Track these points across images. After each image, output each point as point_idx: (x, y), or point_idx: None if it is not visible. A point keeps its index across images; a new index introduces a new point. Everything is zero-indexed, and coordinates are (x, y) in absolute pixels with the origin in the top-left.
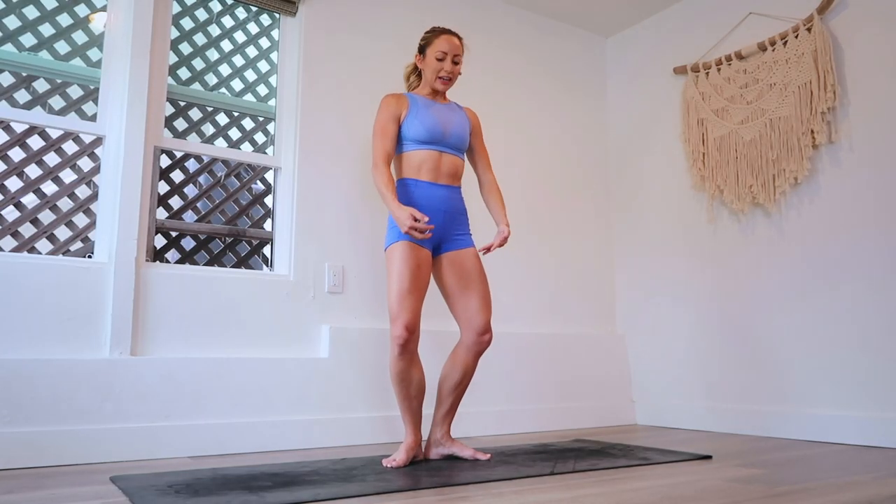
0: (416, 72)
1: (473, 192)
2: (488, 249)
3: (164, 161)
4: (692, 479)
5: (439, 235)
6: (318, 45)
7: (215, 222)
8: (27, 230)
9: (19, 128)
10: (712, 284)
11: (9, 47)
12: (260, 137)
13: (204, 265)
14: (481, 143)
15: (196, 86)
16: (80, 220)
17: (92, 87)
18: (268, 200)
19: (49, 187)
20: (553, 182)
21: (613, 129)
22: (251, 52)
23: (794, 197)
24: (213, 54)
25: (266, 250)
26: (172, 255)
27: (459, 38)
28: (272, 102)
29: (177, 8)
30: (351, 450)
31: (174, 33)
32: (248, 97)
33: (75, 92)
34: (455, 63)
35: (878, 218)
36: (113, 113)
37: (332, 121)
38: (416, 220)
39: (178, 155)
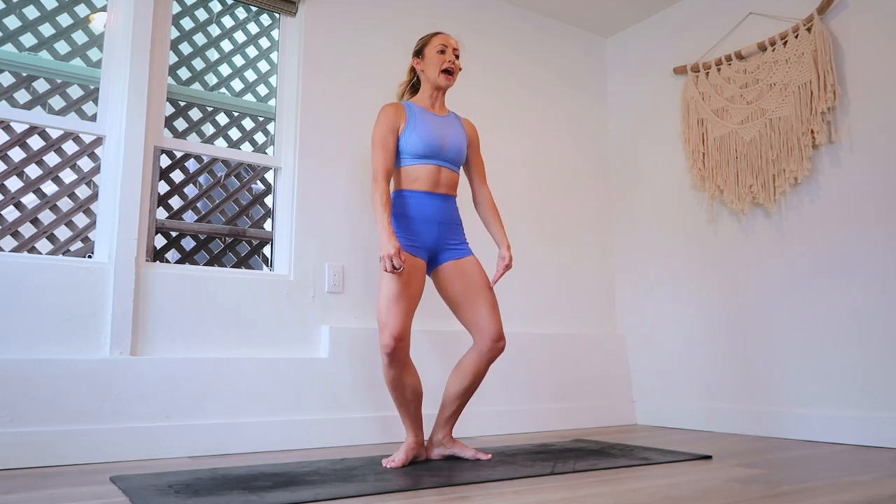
0: (410, 87)
1: (467, 203)
2: (494, 281)
3: (164, 161)
4: (692, 479)
5: (435, 245)
6: (319, 44)
7: (215, 222)
8: (27, 230)
9: (19, 128)
10: (712, 284)
11: (9, 47)
12: (260, 137)
13: (204, 265)
14: (478, 155)
15: (196, 86)
16: (80, 220)
17: (92, 87)
18: (268, 200)
19: (49, 187)
20: (553, 182)
21: (613, 128)
22: (251, 52)
23: (794, 197)
24: (213, 54)
25: (266, 250)
26: (172, 255)
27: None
28: (272, 102)
29: (177, 8)
30: (351, 450)
31: (174, 33)
32: (248, 97)
33: (75, 92)
34: (456, 57)
35: (878, 218)
36: (113, 113)
37: (332, 121)
38: (399, 256)
39: (178, 155)
